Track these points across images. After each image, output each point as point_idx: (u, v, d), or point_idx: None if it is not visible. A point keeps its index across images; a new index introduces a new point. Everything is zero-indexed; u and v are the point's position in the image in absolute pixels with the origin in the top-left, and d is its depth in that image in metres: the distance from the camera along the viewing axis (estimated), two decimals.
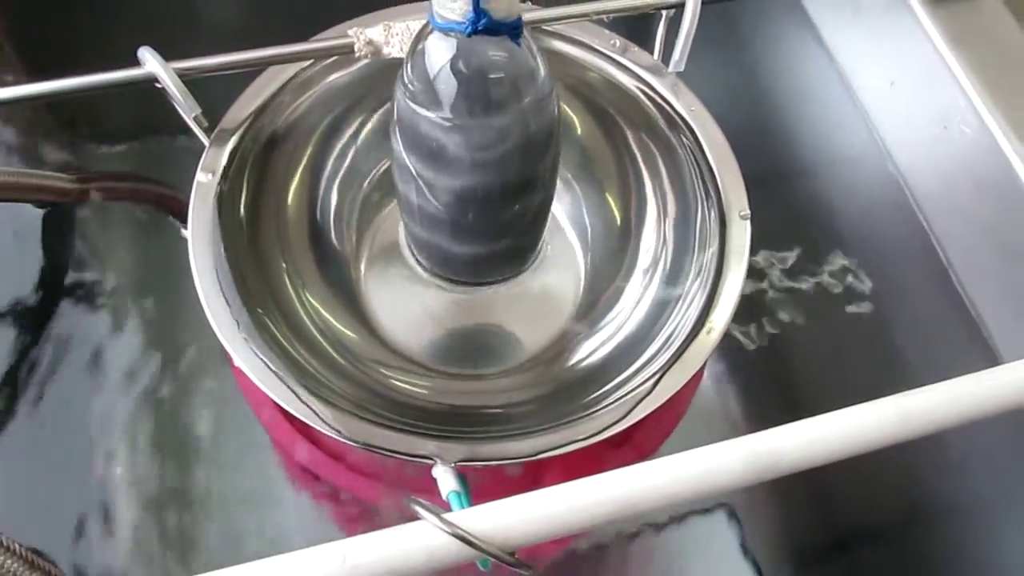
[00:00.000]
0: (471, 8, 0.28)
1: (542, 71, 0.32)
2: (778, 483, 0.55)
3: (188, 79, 0.37)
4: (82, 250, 0.53)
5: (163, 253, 0.53)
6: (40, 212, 0.51)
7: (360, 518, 0.44)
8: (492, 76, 0.31)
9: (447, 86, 0.30)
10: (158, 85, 0.37)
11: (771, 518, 0.55)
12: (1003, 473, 0.46)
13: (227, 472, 0.50)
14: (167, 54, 0.37)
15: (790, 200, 0.55)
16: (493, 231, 0.37)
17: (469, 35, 0.29)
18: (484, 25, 0.29)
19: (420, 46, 0.31)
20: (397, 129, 0.33)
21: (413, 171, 0.34)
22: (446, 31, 0.29)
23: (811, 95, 0.54)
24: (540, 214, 0.38)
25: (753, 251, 0.38)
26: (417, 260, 0.41)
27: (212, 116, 0.39)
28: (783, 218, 0.54)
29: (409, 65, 0.31)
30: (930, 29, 0.45)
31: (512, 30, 0.30)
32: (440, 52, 0.30)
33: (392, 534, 0.24)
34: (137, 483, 0.49)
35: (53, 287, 0.51)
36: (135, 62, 0.37)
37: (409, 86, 0.31)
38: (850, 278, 0.50)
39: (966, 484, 0.48)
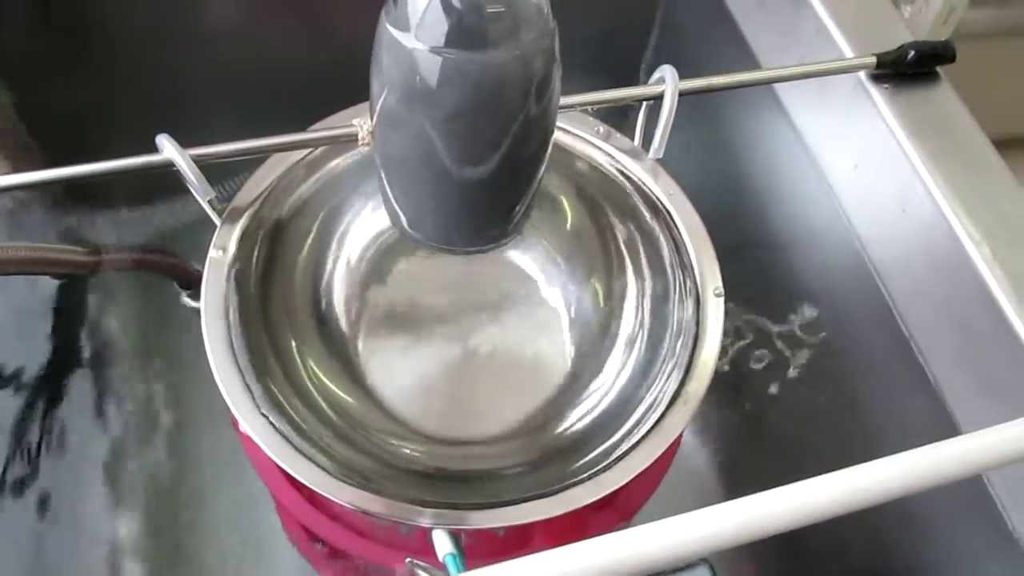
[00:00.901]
0: None
1: (545, 5, 0.29)
2: (757, 542, 0.57)
3: (201, 163, 0.39)
4: (96, 318, 0.55)
5: (171, 319, 0.55)
6: (57, 283, 0.53)
7: None
8: (489, 9, 0.28)
9: (436, 16, 0.27)
10: (174, 169, 0.39)
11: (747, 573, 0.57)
12: (965, 536, 0.48)
13: (223, 527, 0.52)
14: (172, 131, 0.39)
15: (762, 271, 0.58)
16: (484, 183, 0.33)
17: None
18: None
19: None
20: (380, 66, 0.30)
21: (398, 114, 0.30)
22: None
23: (782, 175, 0.57)
24: (533, 174, 0.34)
25: (727, 319, 0.41)
26: (399, 225, 0.36)
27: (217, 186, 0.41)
28: (755, 288, 0.57)
29: None
30: (889, 118, 0.48)
31: None
32: None
33: None
34: (142, 540, 0.51)
35: (68, 354, 0.53)
36: (144, 143, 0.39)
37: (394, 15, 0.28)
38: (816, 346, 0.53)
39: (932, 546, 0.50)
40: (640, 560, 0.27)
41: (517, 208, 0.35)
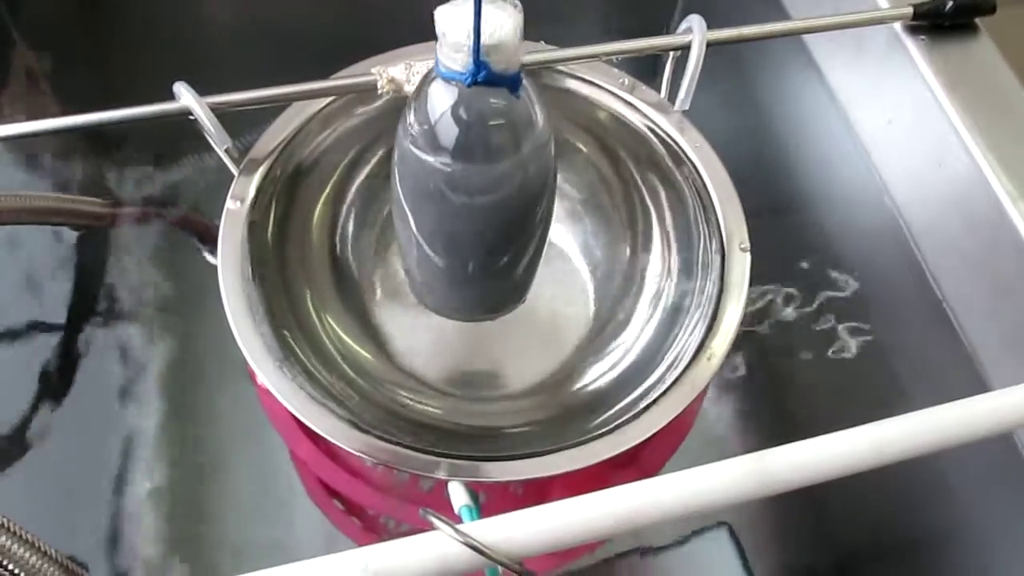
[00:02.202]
0: (472, 60, 0.30)
1: (540, 120, 0.33)
2: (778, 504, 0.57)
3: (218, 112, 0.39)
4: (114, 270, 0.55)
5: (190, 275, 0.55)
6: (76, 235, 0.53)
7: (374, 534, 0.46)
8: (491, 124, 0.32)
9: (447, 132, 0.32)
10: (191, 118, 0.39)
11: (769, 538, 0.57)
12: (995, 499, 0.47)
13: (243, 488, 0.52)
14: (194, 85, 0.39)
15: (791, 231, 0.57)
16: (487, 272, 0.38)
17: (469, 85, 0.30)
18: (484, 77, 0.30)
19: (423, 92, 0.32)
20: (398, 172, 0.35)
21: (411, 214, 0.35)
22: (448, 79, 0.31)
23: (812, 131, 0.55)
24: (534, 256, 0.39)
25: (754, 280, 0.40)
26: (415, 296, 0.42)
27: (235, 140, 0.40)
28: (783, 248, 0.55)
29: (412, 110, 0.33)
30: (925, 71, 0.47)
31: (511, 82, 0.31)
32: (442, 98, 0.31)
33: (409, 543, 0.26)
34: (159, 496, 0.51)
35: (85, 305, 0.53)
36: (164, 95, 0.39)
37: (411, 131, 0.33)
38: (847, 307, 0.52)
39: (960, 508, 0.49)
40: (658, 510, 0.27)
41: (515, 286, 0.40)
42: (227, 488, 0.52)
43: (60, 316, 0.53)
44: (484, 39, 0.29)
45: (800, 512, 0.57)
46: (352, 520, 0.46)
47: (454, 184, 0.33)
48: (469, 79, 0.30)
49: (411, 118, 0.33)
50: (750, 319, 0.52)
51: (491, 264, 0.38)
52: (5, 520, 0.29)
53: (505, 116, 0.32)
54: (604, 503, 0.27)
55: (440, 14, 0.30)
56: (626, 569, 0.54)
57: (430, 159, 0.32)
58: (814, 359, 0.53)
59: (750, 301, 0.40)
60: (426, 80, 0.32)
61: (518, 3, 0.30)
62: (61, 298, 0.53)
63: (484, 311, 0.42)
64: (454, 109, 0.31)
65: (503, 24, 0.29)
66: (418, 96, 0.32)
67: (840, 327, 0.52)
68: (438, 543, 0.26)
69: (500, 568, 0.27)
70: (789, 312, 0.52)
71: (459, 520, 0.33)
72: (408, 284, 0.42)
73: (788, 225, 0.57)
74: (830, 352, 0.53)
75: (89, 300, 0.53)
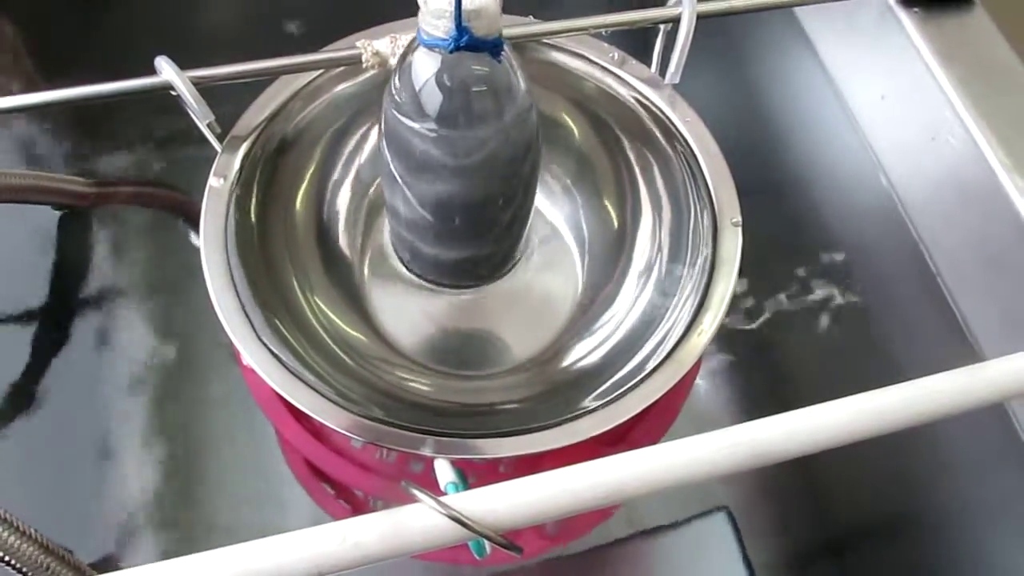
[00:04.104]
0: (454, 26, 0.30)
1: (522, 86, 0.33)
2: (775, 486, 0.56)
3: (202, 87, 0.38)
4: (97, 252, 0.54)
5: (175, 256, 0.54)
6: (58, 214, 0.52)
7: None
8: (474, 90, 0.33)
9: (431, 98, 0.32)
10: (173, 93, 0.38)
11: (768, 522, 0.56)
12: (993, 477, 0.46)
13: (232, 471, 0.52)
14: (178, 62, 0.38)
15: (784, 209, 0.56)
16: (474, 237, 0.39)
17: (452, 51, 0.30)
18: (466, 42, 0.30)
19: (407, 60, 0.32)
20: (385, 139, 0.35)
21: (399, 179, 0.35)
22: (431, 47, 0.31)
23: (805, 107, 0.55)
24: (520, 221, 0.40)
25: (747, 258, 0.39)
26: (403, 262, 0.42)
27: (223, 122, 0.40)
28: (777, 226, 0.55)
29: (397, 78, 0.33)
30: (920, 44, 0.46)
31: (493, 47, 0.31)
32: (425, 66, 0.32)
33: (390, 515, 0.25)
34: (144, 480, 0.50)
35: (68, 287, 0.52)
36: (149, 71, 0.38)
37: (396, 98, 0.33)
38: (842, 284, 0.51)
39: (959, 488, 0.49)
40: (645, 481, 0.26)
41: (500, 253, 0.41)
42: (216, 472, 0.52)
43: (41, 298, 0.52)
44: (465, 4, 0.29)
45: (799, 496, 0.57)
46: (341, 503, 0.46)
47: (439, 149, 0.33)
48: (452, 45, 0.30)
49: (396, 86, 0.33)
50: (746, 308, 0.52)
51: (476, 228, 0.38)
52: None
53: (487, 81, 0.33)
54: (590, 474, 0.26)
55: None
56: (623, 553, 0.53)
57: (416, 125, 0.33)
58: (809, 337, 0.52)
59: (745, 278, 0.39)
60: (409, 49, 0.33)
61: None
62: (42, 280, 0.52)
63: (470, 278, 0.42)
64: (437, 76, 0.32)
65: None
66: (402, 64, 0.33)
67: (833, 304, 0.52)
68: (419, 515, 0.25)
69: (487, 544, 0.26)
70: (782, 288, 0.52)
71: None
72: (394, 250, 0.42)
73: (781, 201, 0.56)
74: (824, 330, 0.52)
75: (71, 282, 0.53)
